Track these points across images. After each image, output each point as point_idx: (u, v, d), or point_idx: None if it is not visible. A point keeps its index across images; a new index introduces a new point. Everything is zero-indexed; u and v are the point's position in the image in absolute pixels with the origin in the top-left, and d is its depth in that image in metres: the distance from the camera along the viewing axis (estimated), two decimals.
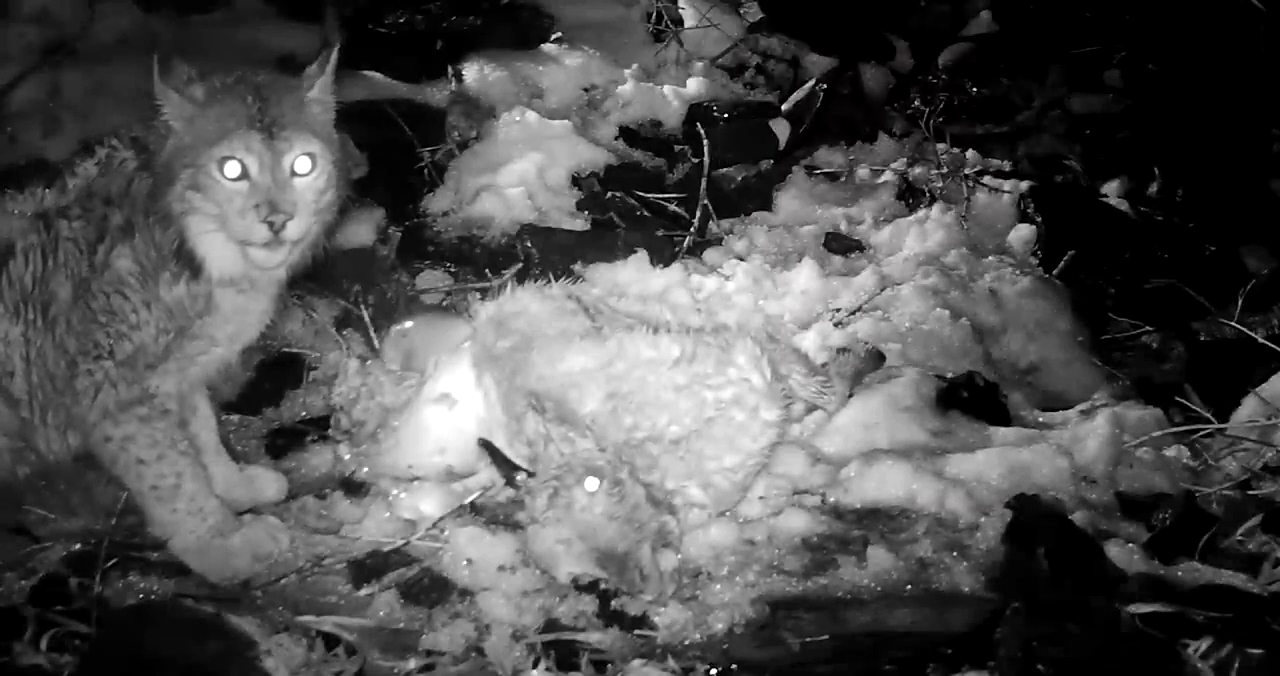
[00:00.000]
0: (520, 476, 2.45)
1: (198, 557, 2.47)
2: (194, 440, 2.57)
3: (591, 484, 2.33)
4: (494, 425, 2.65)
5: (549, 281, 2.92)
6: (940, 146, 4.24)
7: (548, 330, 2.68)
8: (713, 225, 3.83)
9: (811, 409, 2.87)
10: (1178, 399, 3.18)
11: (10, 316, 2.34)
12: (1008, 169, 4.26)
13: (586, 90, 4.27)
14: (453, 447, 2.75)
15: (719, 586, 2.42)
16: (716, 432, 2.48)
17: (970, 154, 4.30)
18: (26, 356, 2.34)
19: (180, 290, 2.36)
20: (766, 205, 3.99)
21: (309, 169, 2.26)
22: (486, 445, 2.54)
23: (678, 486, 2.46)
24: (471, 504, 2.65)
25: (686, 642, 2.29)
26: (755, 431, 2.51)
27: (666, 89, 4.30)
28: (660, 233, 3.70)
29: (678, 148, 4.16)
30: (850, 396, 2.91)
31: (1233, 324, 3.33)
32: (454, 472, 2.75)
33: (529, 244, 3.54)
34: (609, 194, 3.85)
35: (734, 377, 2.52)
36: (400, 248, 3.67)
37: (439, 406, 2.78)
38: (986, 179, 4.05)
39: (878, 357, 3.05)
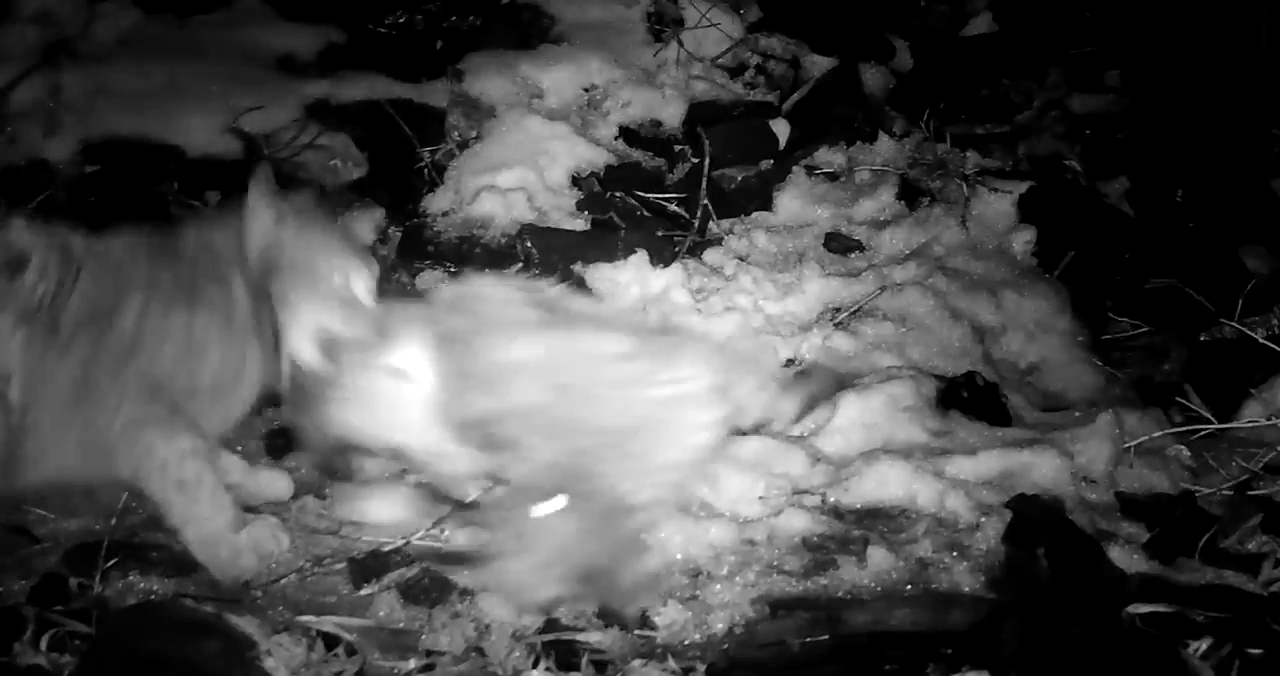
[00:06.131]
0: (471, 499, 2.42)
1: (210, 549, 2.44)
2: None
3: (559, 502, 2.30)
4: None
5: (549, 281, 2.92)
6: (940, 146, 4.23)
7: (495, 319, 2.63)
8: (713, 225, 3.82)
9: (762, 424, 2.81)
10: (1178, 399, 3.18)
11: (16, 322, 2.30)
12: (1008, 169, 4.26)
13: (586, 90, 4.26)
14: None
15: (719, 586, 2.42)
16: (660, 431, 2.44)
17: (970, 154, 4.29)
18: (26, 365, 2.33)
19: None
20: (766, 205, 3.98)
21: None
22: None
23: (633, 486, 2.43)
24: (472, 503, 2.65)
25: (686, 642, 2.29)
26: (697, 432, 2.48)
27: (666, 89, 4.29)
28: (660, 233, 3.70)
29: (678, 148, 4.14)
30: (800, 419, 2.88)
31: (1233, 324, 3.33)
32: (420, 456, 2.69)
33: (529, 244, 3.53)
34: (609, 194, 3.84)
35: (677, 378, 2.49)
36: (400, 248, 3.67)
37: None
38: (986, 179, 4.05)
39: (835, 382, 3.00)
